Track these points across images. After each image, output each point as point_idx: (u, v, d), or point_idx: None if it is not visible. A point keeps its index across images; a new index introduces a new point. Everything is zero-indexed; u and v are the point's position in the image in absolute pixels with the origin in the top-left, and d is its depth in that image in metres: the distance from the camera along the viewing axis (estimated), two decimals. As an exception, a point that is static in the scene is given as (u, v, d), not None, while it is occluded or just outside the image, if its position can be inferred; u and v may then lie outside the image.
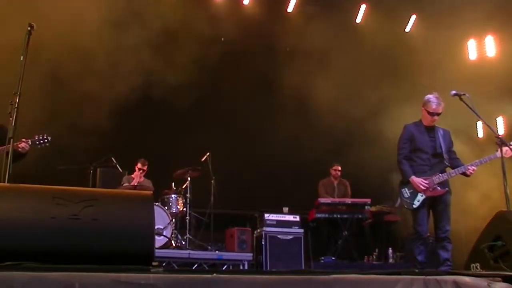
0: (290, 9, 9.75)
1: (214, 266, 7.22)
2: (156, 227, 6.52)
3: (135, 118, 8.64)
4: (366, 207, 8.33)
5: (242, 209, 8.74)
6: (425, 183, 5.30)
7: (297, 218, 7.66)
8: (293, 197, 8.50)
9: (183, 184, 7.96)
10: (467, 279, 2.68)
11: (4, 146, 4.26)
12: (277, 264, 7.18)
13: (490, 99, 7.69)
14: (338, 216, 8.16)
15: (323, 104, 8.43)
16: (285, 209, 7.85)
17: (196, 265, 7.03)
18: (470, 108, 5.27)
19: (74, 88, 7.66)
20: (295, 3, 9.70)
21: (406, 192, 5.43)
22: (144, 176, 7.81)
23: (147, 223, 2.94)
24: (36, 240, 2.66)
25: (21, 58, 4.28)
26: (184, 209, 7.71)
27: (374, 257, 8.20)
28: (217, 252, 7.45)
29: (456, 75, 8.67)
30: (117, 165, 7.86)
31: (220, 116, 9.25)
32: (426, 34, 9.62)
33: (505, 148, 5.20)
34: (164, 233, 7.08)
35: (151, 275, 2.36)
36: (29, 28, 4.38)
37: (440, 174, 5.35)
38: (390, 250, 8.29)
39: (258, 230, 7.71)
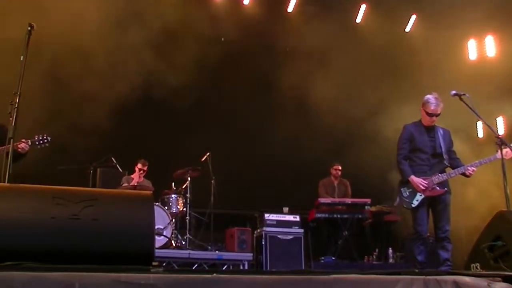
0: (290, 9, 9.74)
1: (214, 266, 7.22)
2: (156, 227, 6.53)
3: (135, 118, 8.62)
4: (366, 207, 8.31)
5: (242, 209, 8.72)
6: (424, 183, 5.30)
7: (297, 218, 7.66)
8: (293, 197, 8.49)
9: (183, 184, 7.96)
10: (467, 279, 2.68)
11: (4, 146, 4.26)
12: (277, 264, 7.17)
13: (490, 99, 7.69)
14: (338, 216, 8.15)
15: (323, 104, 8.43)
16: (285, 209, 7.85)
17: (196, 265, 7.03)
18: (470, 108, 5.27)
19: (74, 88, 7.67)
20: (295, 3, 9.69)
21: (405, 191, 5.43)
22: (144, 176, 7.81)
23: (147, 223, 2.94)
24: (36, 240, 2.66)
25: (21, 58, 4.28)
26: (184, 209, 7.71)
27: (374, 257, 8.19)
28: (217, 252, 7.44)
29: (456, 75, 8.69)
30: (117, 165, 7.86)
31: (220, 116, 9.25)
32: (426, 34, 9.62)
33: (505, 150, 5.20)
34: (164, 233, 7.08)
35: (151, 275, 2.36)
36: (29, 28, 4.38)
37: (439, 174, 5.35)
38: (390, 250, 8.28)
39: (258, 230, 7.71)
